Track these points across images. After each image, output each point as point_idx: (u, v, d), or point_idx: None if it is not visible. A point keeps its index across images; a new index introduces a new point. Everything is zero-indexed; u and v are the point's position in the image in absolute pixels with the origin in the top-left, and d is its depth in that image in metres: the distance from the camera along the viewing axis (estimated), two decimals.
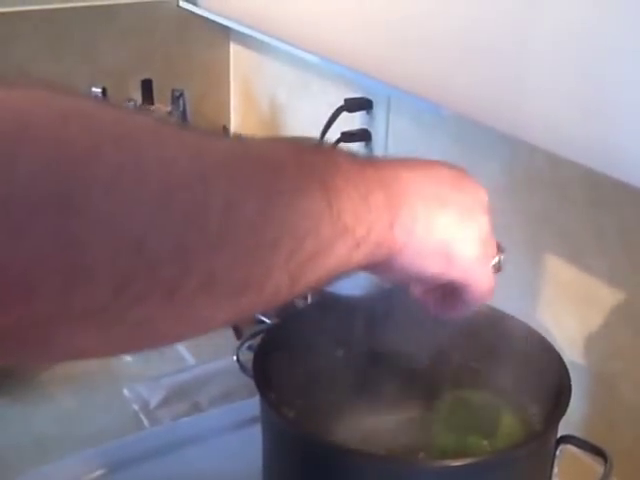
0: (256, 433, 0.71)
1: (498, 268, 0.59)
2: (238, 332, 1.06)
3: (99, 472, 0.82)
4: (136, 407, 0.93)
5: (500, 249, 0.59)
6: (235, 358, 0.75)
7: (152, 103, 1.31)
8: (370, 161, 0.51)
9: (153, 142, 0.36)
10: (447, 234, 0.52)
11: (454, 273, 0.53)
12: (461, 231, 0.53)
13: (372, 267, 0.50)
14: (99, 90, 1.27)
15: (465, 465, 0.60)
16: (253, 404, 0.74)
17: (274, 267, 0.40)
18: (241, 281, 0.39)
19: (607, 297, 0.85)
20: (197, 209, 0.35)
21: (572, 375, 0.68)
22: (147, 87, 1.31)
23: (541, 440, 0.64)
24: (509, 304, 0.79)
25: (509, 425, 0.69)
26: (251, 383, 0.69)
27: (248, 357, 0.74)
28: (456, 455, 0.63)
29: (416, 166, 0.54)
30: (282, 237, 0.40)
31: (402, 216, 0.49)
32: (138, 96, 1.29)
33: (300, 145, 0.46)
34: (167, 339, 0.41)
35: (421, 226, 0.50)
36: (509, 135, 0.50)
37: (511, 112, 0.49)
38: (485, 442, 0.67)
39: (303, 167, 0.44)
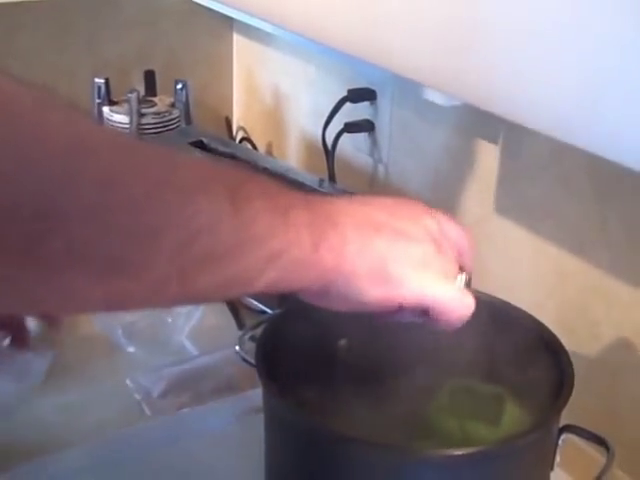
0: (258, 423, 0.71)
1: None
2: (240, 322, 1.06)
3: (102, 462, 0.82)
4: (138, 397, 0.93)
5: (464, 269, 0.58)
6: (237, 348, 0.75)
7: (155, 94, 1.31)
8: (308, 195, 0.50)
9: (34, 107, 0.37)
10: (381, 256, 0.50)
11: (401, 295, 0.52)
12: (396, 252, 0.51)
13: (306, 291, 0.49)
14: (102, 81, 1.27)
15: (468, 454, 0.60)
16: (255, 395, 0.74)
17: (157, 255, 0.40)
18: (115, 260, 0.39)
19: (611, 288, 0.85)
20: (71, 177, 0.36)
21: (576, 365, 0.67)
22: (150, 78, 1.31)
23: (543, 429, 0.64)
24: (512, 294, 0.79)
25: (513, 415, 0.69)
26: (253, 374, 0.69)
27: (250, 347, 0.74)
28: (459, 443, 0.63)
29: (360, 198, 0.54)
30: (168, 226, 0.39)
31: (329, 238, 0.48)
32: (141, 87, 1.29)
33: (216, 161, 0.46)
34: (36, 304, 0.40)
35: (353, 249, 0.49)
36: (509, 121, 0.50)
37: (512, 98, 0.49)
38: (487, 430, 0.67)
39: (206, 169, 0.43)
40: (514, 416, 0.70)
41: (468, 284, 0.58)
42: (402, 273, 0.51)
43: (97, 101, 1.28)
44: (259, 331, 0.75)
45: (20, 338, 0.66)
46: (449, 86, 0.56)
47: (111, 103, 1.27)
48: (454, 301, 0.55)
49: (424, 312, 0.55)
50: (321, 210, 0.49)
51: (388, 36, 0.61)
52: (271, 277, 0.46)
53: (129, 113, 1.22)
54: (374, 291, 0.51)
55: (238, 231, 0.42)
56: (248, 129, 1.44)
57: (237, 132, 1.46)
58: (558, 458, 0.67)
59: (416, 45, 0.58)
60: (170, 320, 1.02)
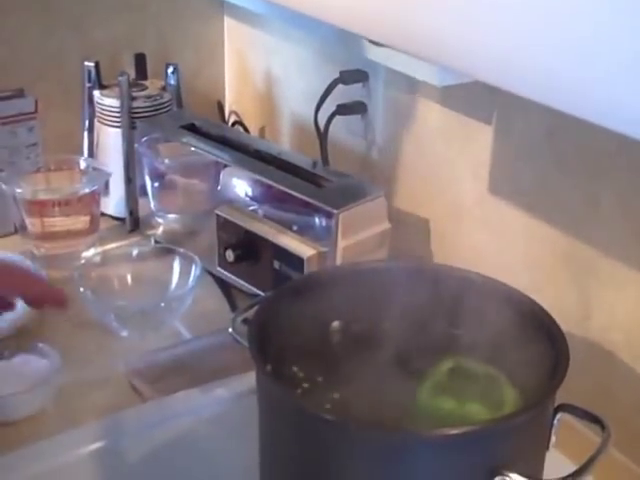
0: (253, 405, 0.71)
1: None
2: (233, 305, 1.05)
3: (97, 445, 0.81)
4: (133, 382, 0.93)
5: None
6: (230, 330, 0.75)
7: (146, 78, 1.29)
8: None
9: None
10: None
11: None
12: None
13: None
14: (92, 64, 1.26)
15: (463, 433, 0.59)
16: (250, 377, 0.74)
17: None
18: None
19: (605, 267, 0.85)
20: None
21: (571, 346, 0.67)
22: (140, 61, 1.30)
23: (539, 408, 0.64)
24: (507, 275, 0.78)
25: (514, 401, 0.69)
26: (248, 357, 0.68)
27: (243, 330, 0.73)
28: (455, 422, 0.63)
29: None
30: None
31: None
32: (131, 70, 1.28)
33: None
34: None
35: None
36: (502, 91, 0.49)
37: (501, 64, 0.48)
38: (487, 413, 0.67)
39: None
40: (515, 401, 0.69)
41: None
42: None
43: (87, 85, 1.27)
44: (252, 313, 0.74)
45: None
46: (442, 57, 0.55)
47: (101, 87, 1.26)
48: None
49: None
50: None
51: (380, 8, 0.60)
52: None
53: (120, 97, 1.21)
54: None
55: None
56: (240, 113, 1.43)
57: (229, 116, 1.45)
58: (554, 438, 0.67)
59: (408, 16, 0.57)
60: (163, 304, 1.01)
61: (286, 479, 0.69)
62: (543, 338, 0.69)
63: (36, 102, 1.21)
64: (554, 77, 0.45)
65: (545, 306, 0.72)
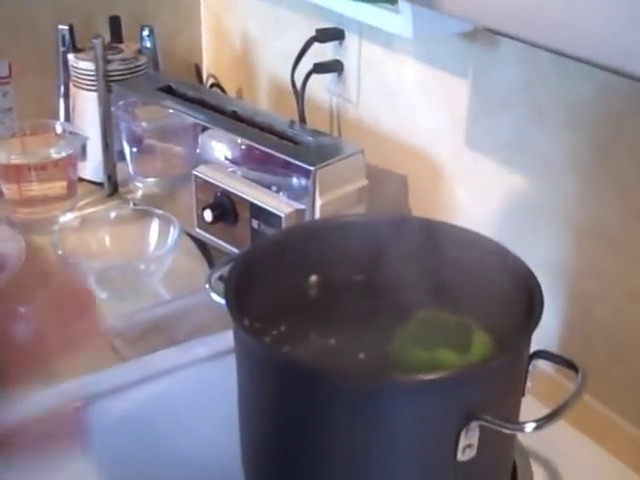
0: (231, 364, 0.71)
1: None
2: (212, 265, 1.05)
3: (76, 404, 0.81)
4: (113, 342, 0.93)
5: None
6: (207, 286, 0.74)
7: (121, 41, 1.28)
8: None
9: None
10: None
11: None
12: None
13: None
14: (66, 28, 1.24)
15: (438, 379, 0.60)
16: (228, 336, 0.74)
17: None
18: None
19: (581, 216, 0.85)
20: None
21: (547, 295, 0.67)
22: (115, 24, 1.28)
23: (514, 353, 0.64)
24: (486, 227, 0.78)
25: (482, 342, 0.69)
26: (226, 316, 0.68)
27: (220, 287, 0.73)
28: (428, 370, 0.63)
29: None
30: None
31: None
32: (106, 33, 1.26)
33: None
34: None
35: None
36: (477, 43, 0.49)
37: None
38: (457, 358, 0.67)
39: None
40: (484, 345, 0.69)
41: None
42: None
43: (62, 49, 1.25)
44: (228, 269, 0.74)
45: None
46: None
47: (76, 50, 1.24)
48: None
49: None
50: None
51: None
52: None
53: (94, 60, 1.20)
54: None
55: None
56: (218, 76, 1.42)
57: (207, 79, 1.44)
58: (529, 383, 0.67)
59: None
60: (142, 266, 1.01)
61: (266, 432, 0.70)
62: (519, 287, 0.69)
63: (10, 66, 1.20)
64: (537, 11, 0.44)
65: (522, 256, 0.72)
